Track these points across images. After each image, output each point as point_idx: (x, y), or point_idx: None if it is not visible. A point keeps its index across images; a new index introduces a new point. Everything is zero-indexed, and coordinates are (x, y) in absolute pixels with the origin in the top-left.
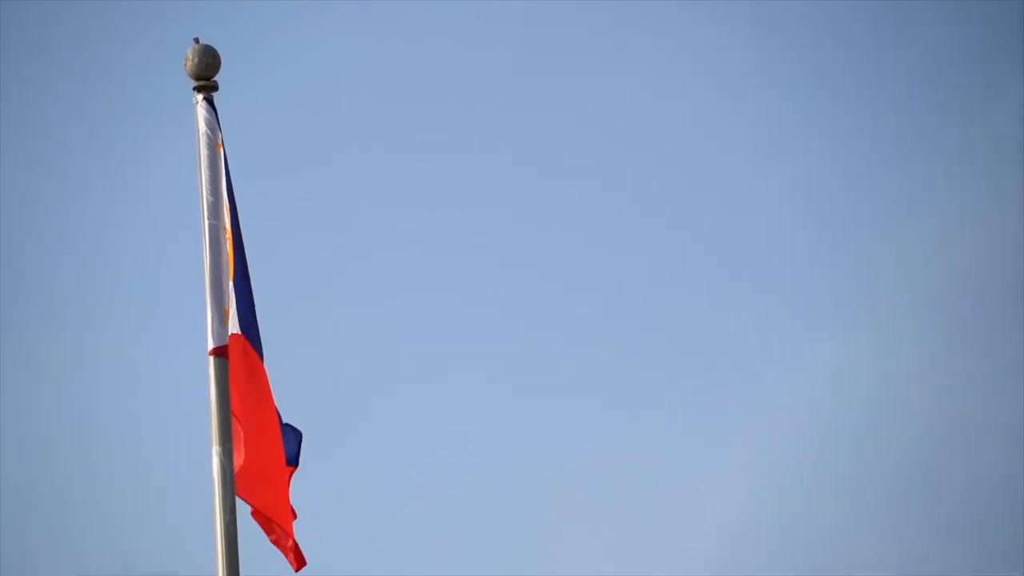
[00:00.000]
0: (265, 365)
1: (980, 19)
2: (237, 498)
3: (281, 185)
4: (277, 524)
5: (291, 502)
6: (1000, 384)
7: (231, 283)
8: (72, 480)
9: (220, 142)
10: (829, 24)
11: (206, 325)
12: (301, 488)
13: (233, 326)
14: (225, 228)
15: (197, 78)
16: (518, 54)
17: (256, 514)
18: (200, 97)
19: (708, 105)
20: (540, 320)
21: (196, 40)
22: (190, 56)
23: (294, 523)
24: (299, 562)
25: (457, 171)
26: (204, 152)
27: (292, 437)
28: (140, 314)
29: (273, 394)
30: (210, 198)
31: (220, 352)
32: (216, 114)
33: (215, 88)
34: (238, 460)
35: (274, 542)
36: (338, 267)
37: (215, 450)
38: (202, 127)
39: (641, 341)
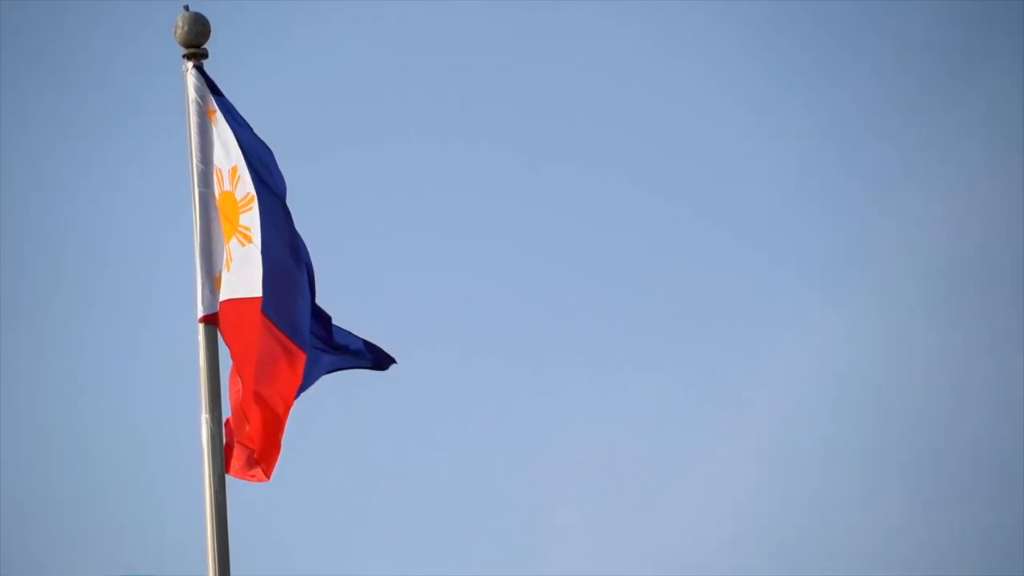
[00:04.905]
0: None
1: None
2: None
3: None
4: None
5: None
6: (1000, 351)
7: (227, 248)
8: (72, 480)
9: (211, 109)
10: None
11: (196, 293)
12: (284, 488)
13: (233, 291)
14: (215, 195)
15: (187, 46)
16: (513, 42)
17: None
18: (190, 65)
19: (704, 79)
20: (541, 302)
21: (186, 8)
22: (180, 24)
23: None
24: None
25: (448, 151)
26: (194, 120)
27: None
28: (143, 301)
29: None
30: (200, 166)
31: (210, 320)
32: (207, 81)
33: (205, 56)
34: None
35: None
36: (324, 252)
37: (204, 418)
38: (192, 95)
39: (641, 315)
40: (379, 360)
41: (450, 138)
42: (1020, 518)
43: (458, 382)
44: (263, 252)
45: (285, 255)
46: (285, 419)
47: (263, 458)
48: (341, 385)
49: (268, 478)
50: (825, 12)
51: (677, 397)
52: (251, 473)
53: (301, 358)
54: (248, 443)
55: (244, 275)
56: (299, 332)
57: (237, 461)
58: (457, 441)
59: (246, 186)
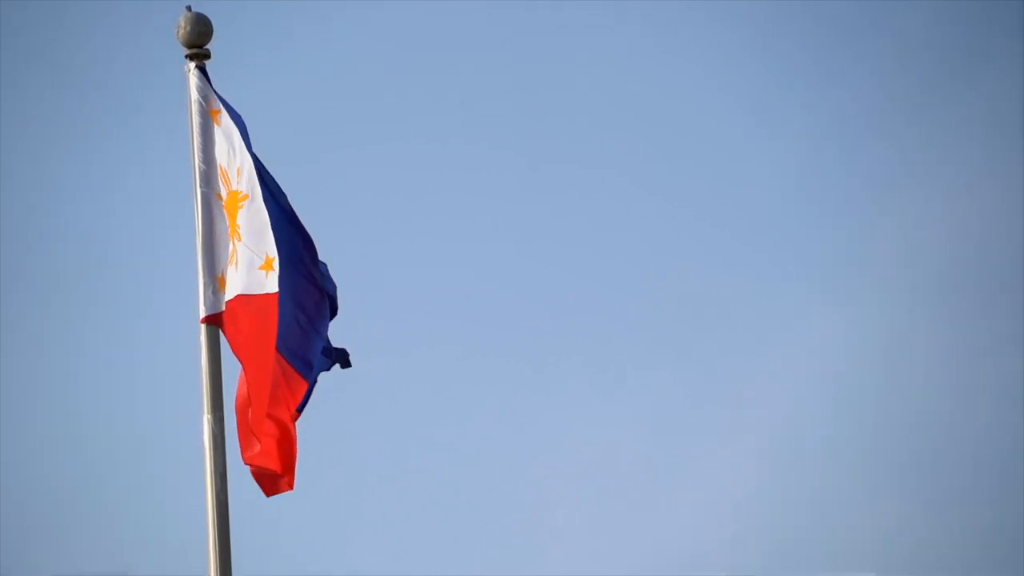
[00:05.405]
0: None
1: None
2: (231, 482)
3: (272, 165)
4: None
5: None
6: (1000, 351)
7: (238, 245)
8: (72, 480)
9: (214, 109)
10: None
11: (198, 294)
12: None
13: (236, 289)
14: (219, 195)
15: (189, 46)
16: (513, 42)
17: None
18: (192, 65)
19: (704, 79)
20: (541, 302)
21: (188, 8)
22: (182, 24)
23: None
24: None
25: (445, 152)
26: (196, 120)
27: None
28: (143, 301)
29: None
30: (202, 166)
31: (212, 320)
32: (209, 81)
33: (207, 56)
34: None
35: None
36: (324, 252)
37: (206, 418)
38: (194, 95)
39: (641, 315)
40: (342, 358)
41: (450, 138)
42: (1020, 518)
43: (458, 382)
44: (280, 281)
45: (306, 283)
46: (295, 433)
47: (285, 471)
48: (341, 384)
49: (292, 487)
50: (825, 12)
51: (677, 397)
52: (278, 487)
53: (304, 385)
54: (263, 462)
55: (244, 273)
56: (307, 364)
57: (264, 479)
58: (457, 441)
59: (243, 184)
